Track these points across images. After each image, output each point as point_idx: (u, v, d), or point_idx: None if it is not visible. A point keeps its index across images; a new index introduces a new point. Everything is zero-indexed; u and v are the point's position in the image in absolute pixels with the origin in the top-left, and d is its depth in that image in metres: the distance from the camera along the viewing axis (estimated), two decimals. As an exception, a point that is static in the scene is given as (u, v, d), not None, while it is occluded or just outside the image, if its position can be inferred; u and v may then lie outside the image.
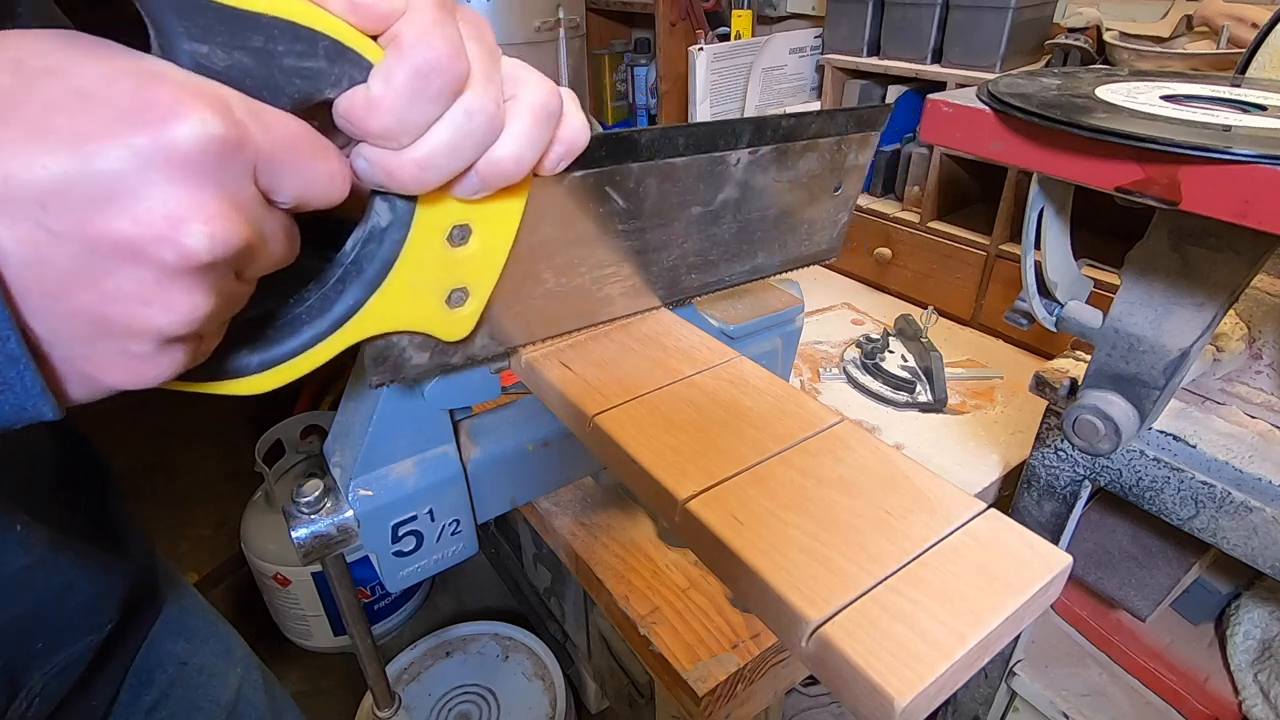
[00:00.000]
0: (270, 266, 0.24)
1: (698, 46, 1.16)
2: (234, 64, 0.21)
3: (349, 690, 1.38)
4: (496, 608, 1.55)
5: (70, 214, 0.18)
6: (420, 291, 0.30)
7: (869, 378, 0.93)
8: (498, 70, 0.25)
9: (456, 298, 0.32)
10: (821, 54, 1.17)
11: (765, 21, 1.35)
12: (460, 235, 0.29)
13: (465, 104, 0.23)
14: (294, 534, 0.39)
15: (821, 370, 0.97)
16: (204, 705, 0.49)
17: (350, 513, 0.40)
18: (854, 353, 0.98)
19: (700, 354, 0.41)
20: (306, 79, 0.22)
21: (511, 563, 1.35)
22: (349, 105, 0.22)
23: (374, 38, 0.22)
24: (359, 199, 0.26)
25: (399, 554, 0.43)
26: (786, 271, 0.51)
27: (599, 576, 0.66)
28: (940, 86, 1.01)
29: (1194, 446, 0.54)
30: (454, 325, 0.33)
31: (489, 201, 0.29)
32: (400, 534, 0.43)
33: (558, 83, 0.27)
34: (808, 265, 0.52)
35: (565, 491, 0.75)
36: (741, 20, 1.28)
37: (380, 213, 0.27)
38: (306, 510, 0.40)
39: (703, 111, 1.20)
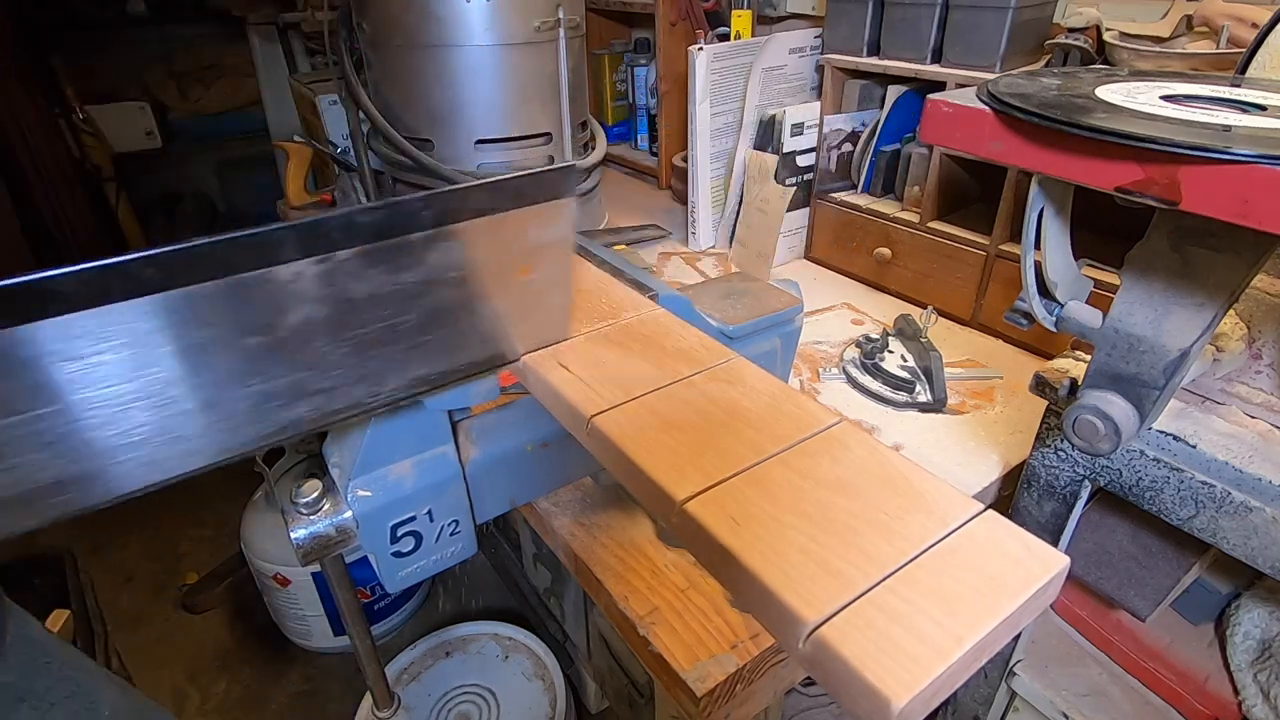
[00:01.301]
0: None
1: (698, 46, 1.16)
2: None
3: (349, 690, 1.38)
4: (496, 608, 1.55)
5: None
6: None
7: (868, 378, 0.93)
8: None
9: None
10: (821, 54, 1.17)
11: (765, 21, 1.35)
12: None
13: None
14: (293, 534, 0.39)
15: (821, 370, 0.97)
16: None
17: (349, 513, 0.40)
18: (853, 353, 0.98)
19: (699, 354, 0.41)
20: None
21: (511, 563, 1.35)
22: None
23: None
24: None
25: (398, 554, 0.43)
26: (476, 375, 0.41)
27: (598, 576, 0.66)
28: (940, 86, 1.01)
29: (1194, 446, 0.54)
30: None
31: None
32: (399, 534, 0.43)
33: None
34: (506, 365, 0.42)
35: (565, 491, 0.75)
36: (741, 20, 1.28)
37: None
38: (305, 510, 0.40)
39: (702, 112, 1.20)
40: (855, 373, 0.94)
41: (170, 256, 0.28)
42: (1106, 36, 0.89)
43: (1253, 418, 0.57)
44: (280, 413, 0.35)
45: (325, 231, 0.30)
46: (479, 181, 0.34)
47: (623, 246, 1.22)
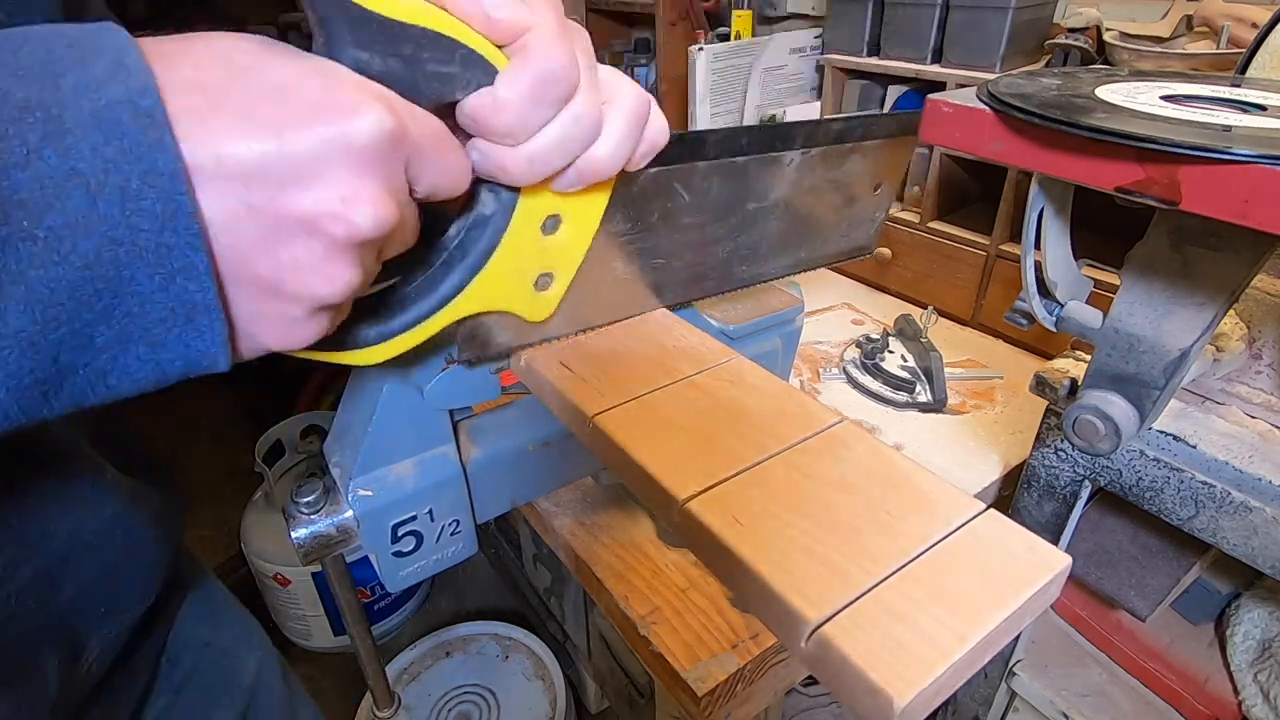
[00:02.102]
0: (399, 249, 0.27)
1: (698, 46, 1.16)
2: (388, 69, 0.24)
3: (349, 690, 1.38)
4: (496, 608, 1.55)
5: (266, 190, 0.21)
6: (515, 275, 0.33)
7: (869, 378, 0.93)
8: (597, 78, 0.28)
9: (543, 281, 0.35)
10: (821, 54, 1.17)
11: (765, 21, 1.35)
12: (552, 224, 0.32)
13: (574, 109, 0.27)
14: (293, 534, 0.39)
15: (821, 370, 0.97)
16: (226, 687, 0.50)
17: (350, 513, 0.40)
18: (854, 353, 0.98)
19: (700, 354, 0.41)
20: (444, 83, 0.25)
21: (511, 563, 1.35)
22: (477, 105, 0.26)
23: (500, 48, 0.25)
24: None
25: (398, 554, 0.43)
26: (825, 265, 0.53)
27: (599, 576, 0.66)
28: (940, 86, 1.01)
29: (1194, 446, 0.54)
30: (539, 307, 0.36)
31: (579, 194, 0.31)
32: (400, 534, 0.43)
33: None
34: (845, 260, 0.54)
35: (565, 491, 0.75)
36: (741, 20, 1.28)
37: (486, 203, 0.30)
38: (306, 510, 0.40)
39: (702, 112, 1.20)
40: (855, 373, 0.94)
41: (726, 134, 0.39)
42: (1106, 36, 0.89)
43: (1253, 418, 0.57)
44: (739, 268, 0.47)
45: (814, 130, 0.42)
46: (891, 113, 0.48)
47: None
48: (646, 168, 0.33)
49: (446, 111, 0.26)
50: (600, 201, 0.33)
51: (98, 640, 0.38)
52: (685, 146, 0.38)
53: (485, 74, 0.25)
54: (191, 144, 0.20)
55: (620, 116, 0.29)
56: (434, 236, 0.31)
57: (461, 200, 0.30)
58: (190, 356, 0.22)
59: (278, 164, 0.21)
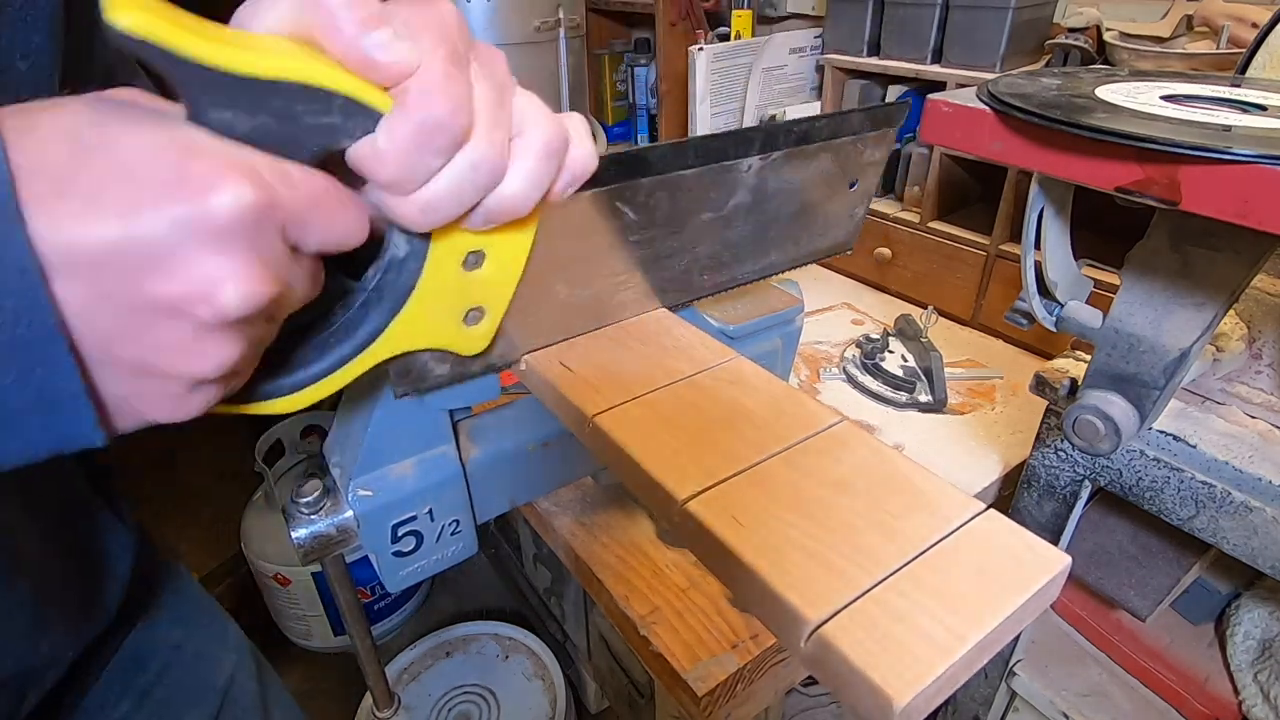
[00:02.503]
0: (296, 306, 0.25)
1: (698, 46, 1.16)
2: (257, 126, 0.22)
3: (349, 690, 1.38)
4: (496, 608, 1.55)
5: (119, 277, 0.20)
6: (438, 313, 0.32)
7: (869, 378, 0.93)
8: (506, 111, 0.26)
9: (473, 316, 0.34)
10: (821, 54, 1.17)
11: (765, 21, 1.35)
12: (475, 260, 0.31)
13: (468, 155, 0.25)
14: (294, 534, 0.39)
15: (821, 370, 0.97)
16: (198, 688, 0.50)
17: (350, 513, 0.40)
18: (854, 353, 0.98)
19: (700, 354, 0.41)
20: (325, 134, 0.23)
21: (511, 563, 1.35)
22: (359, 155, 0.24)
23: (387, 89, 0.24)
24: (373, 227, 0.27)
25: (399, 554, 0.43)
26: (800, 266, 0.52)
27: (599, 576, 0.66)
28: (940, 86, 1.01)
29: (1194, 446, 0.54)
30: (471, 341, 0.35)
31: (500, 230, 0.30)
32: (400, 534, 0.43)
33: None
34: (822, 259, 0.53)
35: (565, 491, 0.75)
36: (741, 20, 1.28)
37: (398, 245, 0.29)
38: (306, 510, 0.40)
39: (703, 112, 1.20)
40: (855, 373, 0.94)
41: (668, 149, 0.38)
42: (1106, 36, 0.89)
43: (1253, 418, 0.57)
44: (701, 277, 0.46)
45: (772, 134, 0.41)
46: (861, 108, 0.46)
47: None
48: (582, 189, 0.32)
49: (337, 159, 0.24)
50: (525, 235, 0.32)
51: (36, 692, 0.38)
52: (624, 167, 0.37)
53: (369, 120, 0.23)
54: (41, 234, 0.19)
55: (531, 152, 0.27)
56: (345, 269, 0.29)
57: (374, 241, 0.28)
58: (60, 439, 0.21)
59: (129, 250, 0.20)
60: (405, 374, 0.35)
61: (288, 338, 0.28)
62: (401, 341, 0.31)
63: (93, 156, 0.20)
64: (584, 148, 0.29)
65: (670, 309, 0.46)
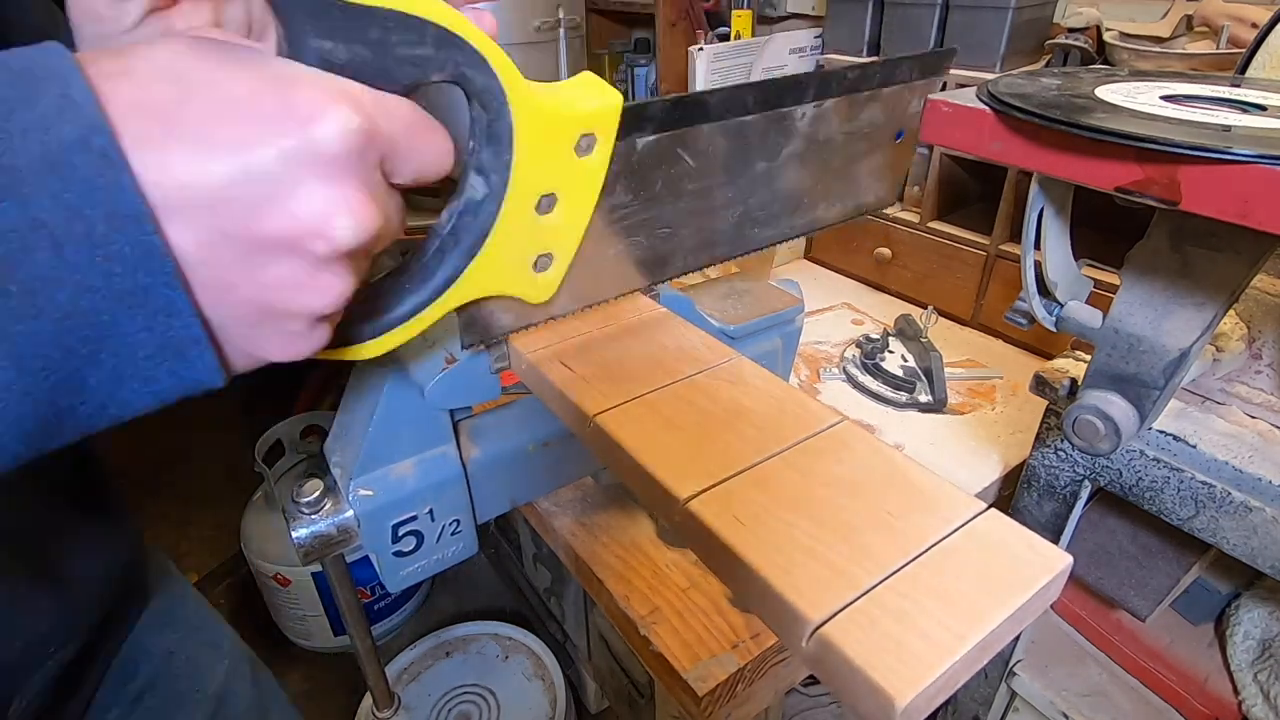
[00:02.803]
0: (389, 242, 0.25)
1: (698, 47, 1.16)
2: (354, 56, 0.22)
3: (349, 690, 1.38)
4: (496, 608, 1.55)
5: (235, 215, 0.20)
6: (511, 258, 0.32)
7: (869, 378, 0.93)
8: None
9: (542, 263, 0.34)
10: (821, 54, 1.17)
11: (765, 21, 1.35)
12: (548, 204, 0.31)
13: None
14: (294, 534, 0.39)
15: (821, 370, 0.97)
16: (191, 694, 0.50)
17: (350, 513, 0.40)
18: (854, 353, 0.98)
19: (700, 354, 0.41)
20: (417, 65, 0.24)
21: (511, 563, 1.35)
22: None
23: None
24: None
25: (399, 554, 0.43)
26: (844, 221, 0.51)
27: (599, 576, 0.66)
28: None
29: (1194, 446, 0.54)
30: (540, 288, 0.35)
31: (574, 170, 0.30)
32: (400, 534, 0.43)
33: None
34: (867, 214, 0.52)
35: (565, 491, 0.75)
36: (741, 20, 1.28)
37: (476, 187, 0.29)
38: (307, 510, 0.40)
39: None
40: (855, 373, 0.94)
41: (728, 94, 0.38)
42: (1106, 36, 0.89)
43: (1253, 418, 0.57)
44: (752, 230, 0.45)
45: (826, 81, 0.41)
46: (910, 54, 0.44)
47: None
48: (644, 134, 0.32)
49: (423, 91, 0.25)
50: (596, 175, 0.32)
51: (20, 700, 0.37)
52: (685, 109, 0.36)
53: (461, 54, 0.24)
54: (151, 177, 0.19)
55: None
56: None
57: (451, 183, 0.29)
58: (184, 384, 0.22)
59: (245, 186, 0.20)
60: (473, 324, 0.36)
61: (368, 282, 0.29)
62: (476, 286, 0.32)
63: (198, 93, 0.20)
64: None
65: (733, 256, 0.46)
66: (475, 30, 0.24)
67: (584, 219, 0.34)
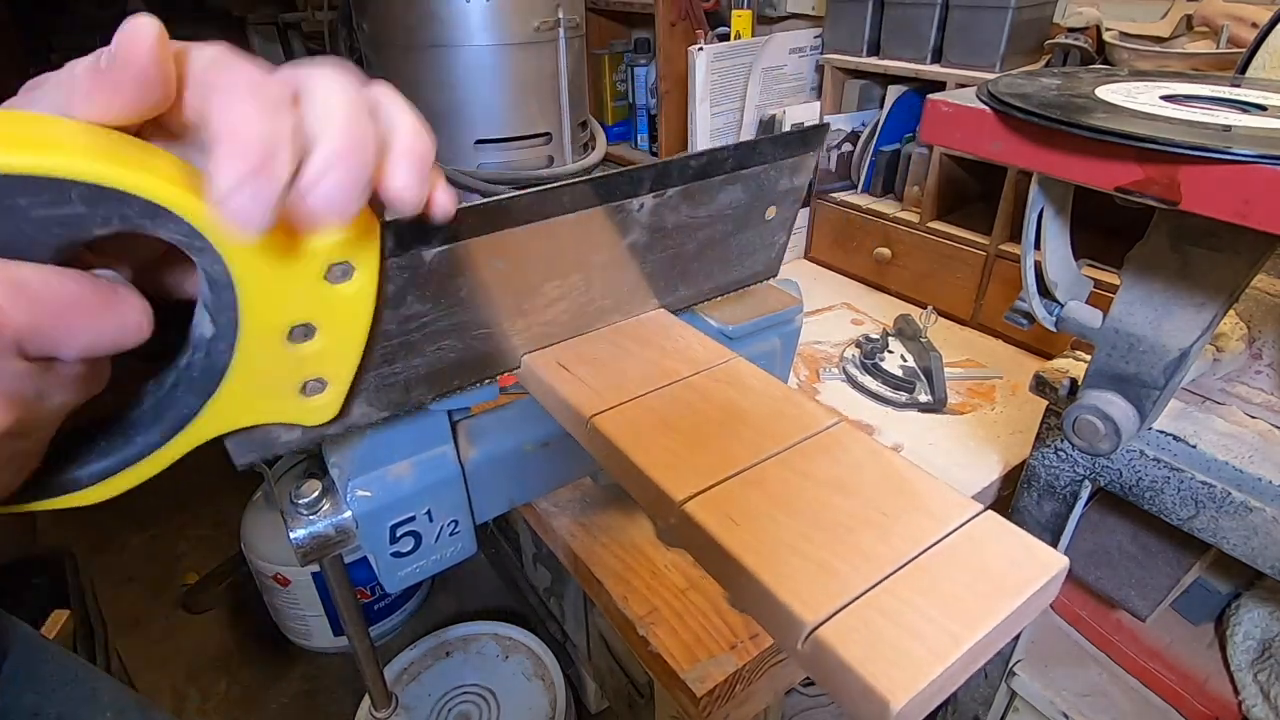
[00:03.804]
0: (60, 415, 0.23)
1: (698, 46, 1.16)
2: None
3: (349, 690, 1.38)
4: (496, 608, 1.55)
5: None
6: (265, 390, 0.29)
7: (868, 378, 0.93)
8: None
9: (313, 387, 0.31)
10: (821, 54, 1.17)
11: (765, 21, 1.35)
12: (302, 333, 0.28)
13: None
14: (292, 535, 0.39)
15: (821, 370, 0.97)
16: None
17: (348, 513, 0.40)
18: (853, 353, 0.98)
19: (698, 355, 0.41)
20: (65, 225, 0.20)
21: (511, 563, 1.35)
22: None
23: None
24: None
25: (397, 554, 0.43)
26: (714, 298, 0.49)
27: (598, 577, 0.66)
28: (940, 86, 1.01)
29: (1194, 446, 0.54)
30: (315, 412, 0.32)
31: (327, 297, 0.28)
32: (398, 534, 0.43)
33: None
34: (740, 289, 0.50)
35: (564, 491, 0.75)
36: (741, 20, 1.28)
37: (203, 325, 0.26)
38: (305, 511, 0.40)
39: (702, 112, 1.20)
40: (855, 373, 0.94)
41: (570, 189, 0.36)
42: (1106, 36, 0.89)
43: (1253, 418, 0.57)
44: (594, 321, 0.43)
45: (665, 170, 0.39)
46: (772, 136, 0.42)
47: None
48: (434, 245, 0.30)
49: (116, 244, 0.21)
50: (361, 300, 0.29)
51: None
52: (481, 217, 0.33)
53: (127, 205, 0.20)
54: None
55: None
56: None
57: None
58: None
59: None
60: (248, 444, 0.33)
61: (88, 424, 0.26)
62: (224, 421, 0.29)
63: None
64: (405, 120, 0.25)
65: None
66: (144, 178, 0.20)
67: (357, 341, 0.31)
